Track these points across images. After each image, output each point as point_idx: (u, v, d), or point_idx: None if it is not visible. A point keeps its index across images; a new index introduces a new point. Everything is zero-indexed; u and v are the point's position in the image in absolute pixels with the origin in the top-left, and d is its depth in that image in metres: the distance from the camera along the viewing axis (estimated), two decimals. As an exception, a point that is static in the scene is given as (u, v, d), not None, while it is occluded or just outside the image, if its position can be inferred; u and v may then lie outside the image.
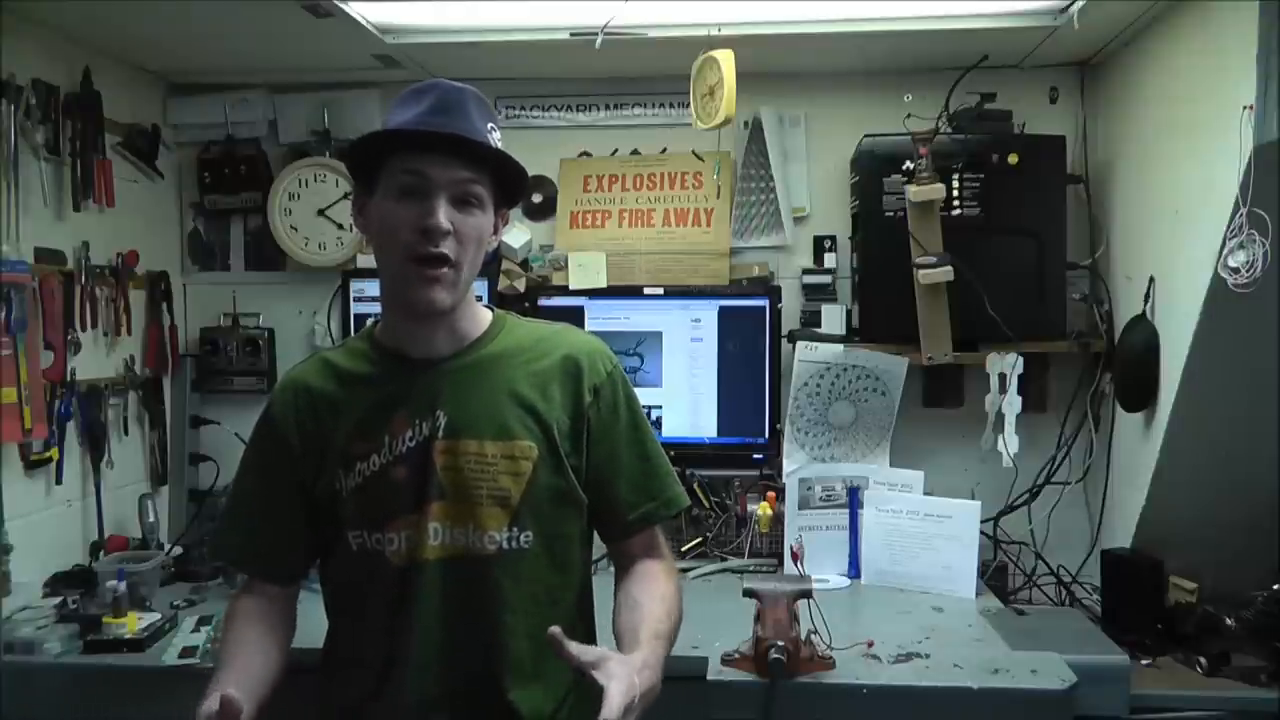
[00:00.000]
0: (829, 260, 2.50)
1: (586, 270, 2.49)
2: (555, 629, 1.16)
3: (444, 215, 1.25)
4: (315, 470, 1.35)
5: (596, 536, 1.48)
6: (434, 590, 1.30)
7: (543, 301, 2.46)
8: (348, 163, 1.37)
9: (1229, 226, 1.67)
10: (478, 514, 1.31)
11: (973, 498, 2.26)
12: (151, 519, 2.33)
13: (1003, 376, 2.26)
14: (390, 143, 1.28)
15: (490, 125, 1.32)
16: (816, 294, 2.49)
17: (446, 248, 1.26)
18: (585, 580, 1.46)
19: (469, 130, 1.27)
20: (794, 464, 2.35)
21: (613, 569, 2.39)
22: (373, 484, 1.32)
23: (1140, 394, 2.07)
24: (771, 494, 2.33)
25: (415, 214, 1.25)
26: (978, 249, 2.23)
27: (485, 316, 1.41)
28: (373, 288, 2.45)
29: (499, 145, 1.32)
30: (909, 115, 2.25)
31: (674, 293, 2.45)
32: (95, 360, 2.30)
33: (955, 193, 2.25)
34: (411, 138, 1.26)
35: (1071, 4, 2.00)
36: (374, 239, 1.33)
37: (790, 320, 2.47)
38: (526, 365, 1.37)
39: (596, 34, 2.11)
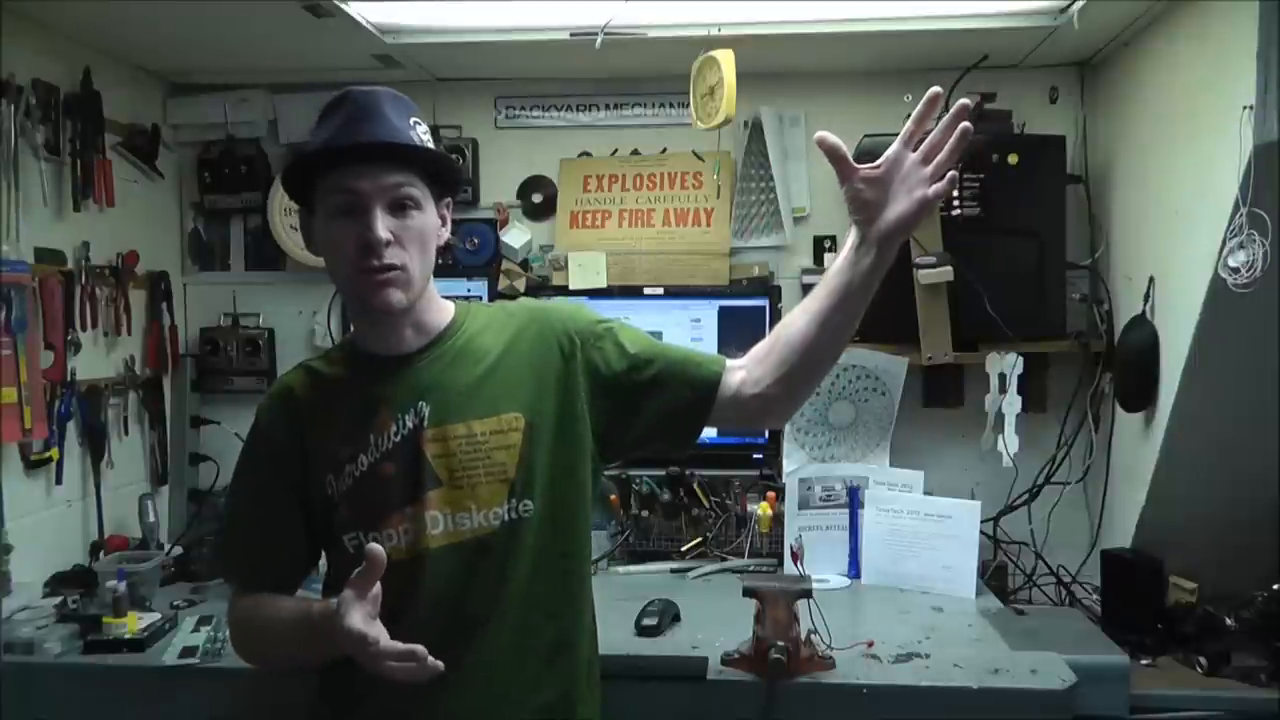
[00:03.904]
0: (829, 260, 2.48)
1: (586, 270, 2.49)
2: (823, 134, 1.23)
3: (381, 226, 1.25)
4: (305, 475, 1.35)
5: (594, 516, 1.48)
6: (436, 577, 1.30)
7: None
8: (285, 189, 1.38)
9: (1229, 226, 1.67)
10: (478, 494, 1.31)
11: (973, 498, 2.26)
12: (151, 519, 2.32)
13: (1002, 376, 2.26)
14: (318, 163, 1.29)
15: (413, 120, 1.32)
16: (817, 294, 2.49)
17: (391, 257, 1.27)
18: (589, 552, 1.45)
19: (388, 134, 1.27)
20: (794, 464, 2.34)
21: (614, 568, 2.41)
22: (363, 484, 1.32)
23: (1140, 394, 2.07)
24: (771, 494, 2.33)
25: (353, 231, 1.26)
26: (978, 249, 2.23)
27: (449, 307, 1.43)
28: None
29: (424, 140, 1.32)
30: (909, 115, 2.24)
31: (674, 293, 2.45)
32: (95, 360, 2.30)
33: (955, 193, 2.25)
34: (334, 155, 1.27)
35: (1071, 4, 2.00)
36: (323, 257, 1.34)
37: (790, 320, 2.47)
38: (500, 339, 1.38)
39: (596, 34, 2.11)
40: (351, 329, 1.46)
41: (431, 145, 1.33)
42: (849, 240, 1.29)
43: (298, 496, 1.36)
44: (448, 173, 1.37)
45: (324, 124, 1.30)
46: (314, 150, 1.29)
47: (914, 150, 1.24)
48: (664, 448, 1.52)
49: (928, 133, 1.25)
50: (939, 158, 1.23)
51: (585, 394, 1.37)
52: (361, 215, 1.26)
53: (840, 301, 1.29)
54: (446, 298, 1.43)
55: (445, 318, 1.40)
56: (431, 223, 1.33)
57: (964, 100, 1.22)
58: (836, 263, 1.30)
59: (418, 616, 1.30)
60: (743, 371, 1.38)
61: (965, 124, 1.21)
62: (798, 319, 1.33)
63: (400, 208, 1.28)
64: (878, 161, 1.24)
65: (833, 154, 1.24)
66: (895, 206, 1.24)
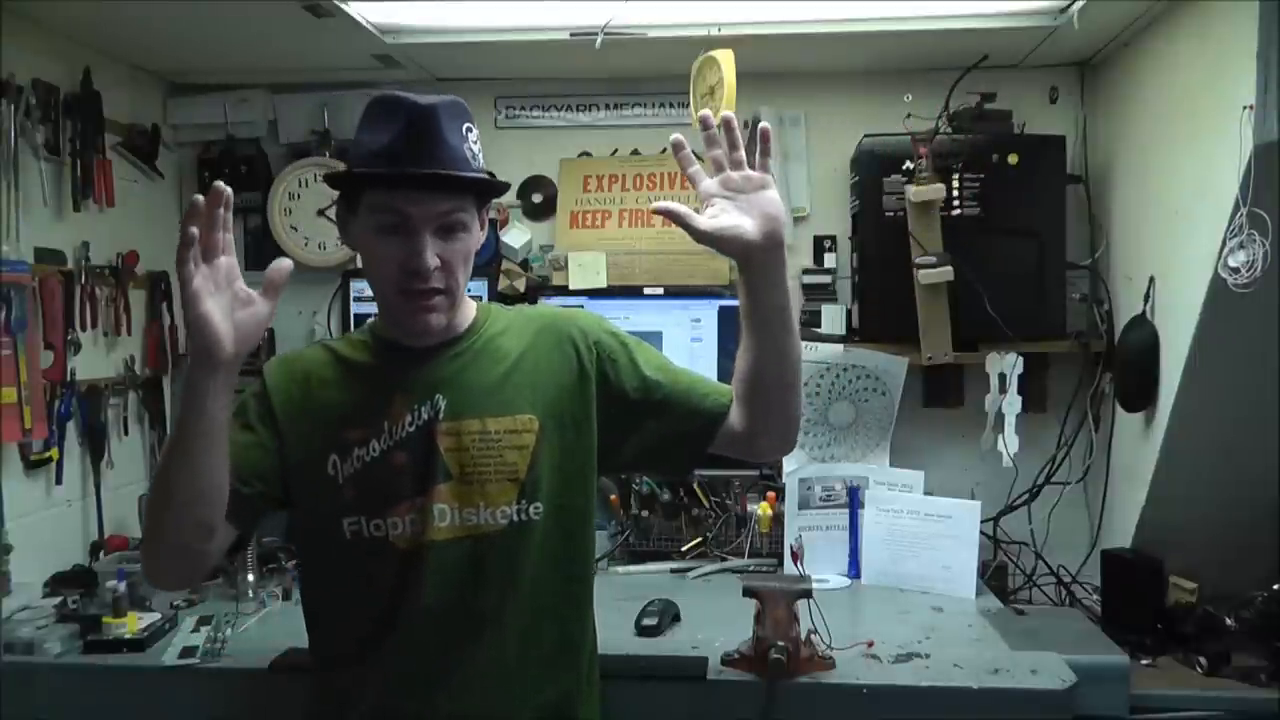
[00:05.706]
0: (829, 260, 2.50)
1: (586, 270, 2.48)
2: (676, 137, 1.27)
3: (430, 253, 1.25)
4: (297, 449, 1.33)
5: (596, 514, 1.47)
6: (440, 570, 1.30)
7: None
8: (327, 181, 1.36)
9: (1229, 226, 1.67)
10: (487, 491, 1.31)
11: (973, 498, 2.26)
12: (151, 519, 2.32)
13: (1002, 376, 2.27)
14: (370, 178, 1.27)
15: (467, 127, 1.30)
16: (816, 294, 2.49)
17: (436, 281, 1.27)
18: (593, 555, 1.46)
19: (446, 159, 1.25)
20: (794, 464, 2.34)
21: (614, 568, 2.42)
22: (372, 470, 1.31)
23: (1140, 394, 2.07)
24: (771, 494, 2.33)
25: (400, 252, 1.26)
26: (978, 249, 2.23)
27: (471, 306, 1.43)
28: (373, 288, 2.45)
29: (476, 150, 1.31)
30: (909, 115, 2.25)
31: (674, 293, 2.45)
32: (95, 360, 2.30)
33: (955, 193, 2.25)
34: (391, 180, 1.25)
35: (1071, 4, 2.00)
36: (361, 261, 1.34)
37: (790, 320, 2.47)
38: (519, 342, 1.39)
39: (596, 34, 2.11)
40: (375, 317, 1.42)
41: (481, 156, 1.32)
42: (739, 280, 1.33)
43: (268, 461, 1.31)
44: (495, 192, 1.37)
45: (374, 129, 1.26)
46: (370, 169, 1.26)
47: (729, 170, 1.28)
48: (659, 471, 1.53)
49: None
50: (756, 159, 1.27)
51: (595, 404, 1.38)
52: (409, 238, 1.25)
53: (761, 335, 1.34)
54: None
55: (468, 316, 1.40)
56: (476, 239, 1.33)
57: (725, 113, 1.27)
58: (740, 304, 1.35)
59: (421, 608, 1.29)
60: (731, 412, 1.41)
61: (762, 124, 1.26)
62: (740, 360, 1.37)
63: (449, 230, 1.28)
64: (711, 205, 1.29)
65: (675, 219, 1.26)
66: (747, 223, 1.27)
